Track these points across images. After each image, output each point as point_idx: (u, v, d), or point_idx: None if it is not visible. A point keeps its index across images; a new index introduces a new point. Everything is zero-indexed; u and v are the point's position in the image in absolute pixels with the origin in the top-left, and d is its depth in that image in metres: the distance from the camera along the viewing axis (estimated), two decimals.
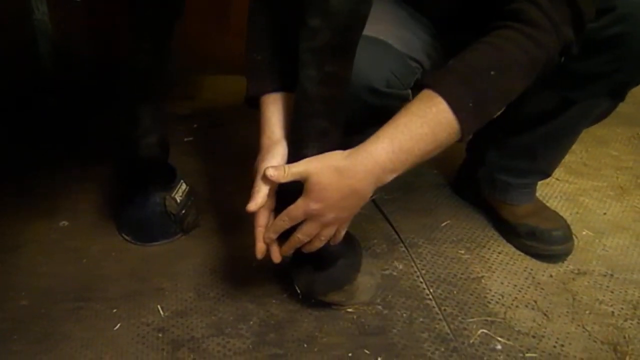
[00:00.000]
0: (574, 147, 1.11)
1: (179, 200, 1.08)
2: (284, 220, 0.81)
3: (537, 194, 1.19)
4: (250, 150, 1.42)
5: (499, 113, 0.89)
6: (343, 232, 0.86)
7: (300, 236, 0.82)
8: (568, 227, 1.11)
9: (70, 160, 1.31)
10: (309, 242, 0.83)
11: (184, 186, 1.11)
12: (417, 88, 1.02)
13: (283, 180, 0.80)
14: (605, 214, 1.27)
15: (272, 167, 0.81)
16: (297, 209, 0.80)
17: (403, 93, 0.93)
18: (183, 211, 1.08)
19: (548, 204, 1.21)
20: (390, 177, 0.79)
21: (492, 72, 0.77)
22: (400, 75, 0.91)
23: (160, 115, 1.03)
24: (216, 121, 1.57)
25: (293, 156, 0.83)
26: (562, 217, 1.14)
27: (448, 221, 1.19)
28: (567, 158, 1.18)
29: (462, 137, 0.79)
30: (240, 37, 1.75)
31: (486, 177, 1.17)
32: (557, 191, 1.33)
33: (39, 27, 1.58)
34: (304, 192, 0.79)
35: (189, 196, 1.11)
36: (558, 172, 1.21)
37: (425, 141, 0.77)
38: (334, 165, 0.77)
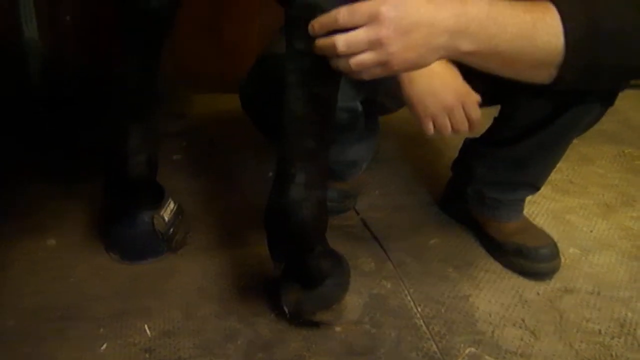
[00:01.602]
0: (560, 165, 1.12)
1: (167, 219, 1.08)
2: (340, 13, 0.68)
3: (524, 212, 1.20)
4: (239, 169, 1.44)
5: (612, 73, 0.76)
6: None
7: (341, 43, 0.67)
8: (555, 244, 1.12)
9: (60, 177, 1.31)
10: (343, 61, 0.69)
11: (172, 204, 1.11)
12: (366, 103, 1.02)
13: None
14: (591, 231, 1.28)
15: None
16: (363, 6, 0.67)
17: (351, 105, 0.93)
18: (171, 230, 1.08)
19: (535, 222, 1.22)
20: (465, 46, 0.69)
21: (610, 2, 0.70)
22: (349, 86, 0.91)
23: (150, 133, 1.03)
24: (206, 139, 1.57)
25: (280, 176, 0.84)
26: (548, 235, 1.14)
27: (436, 239, 1.20)
28: (554, 176, 1.19)
29: (566, 59, 0.68)
30: (232, 55, 1.78)
31: (474, 195, 1.18)
32: (543, 209, 1.34)
33: (28, 44, 1.58)
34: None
35: (177, 214, 1.11)
36: (544, 190, 1.22)
37: (522, 29, 0.68)
38: None
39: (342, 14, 0.68)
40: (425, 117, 0.89)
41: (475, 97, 0.90)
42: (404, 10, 0.67)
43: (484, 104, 1.03)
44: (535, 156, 1.05)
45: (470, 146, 1.19)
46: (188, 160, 1.45)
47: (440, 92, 0.87)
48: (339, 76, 0.78)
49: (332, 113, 0.82)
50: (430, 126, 0.89)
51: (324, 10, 0.71)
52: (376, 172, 1.42)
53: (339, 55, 0.70)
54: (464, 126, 0.89)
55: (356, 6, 0.68)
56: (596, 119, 1.00)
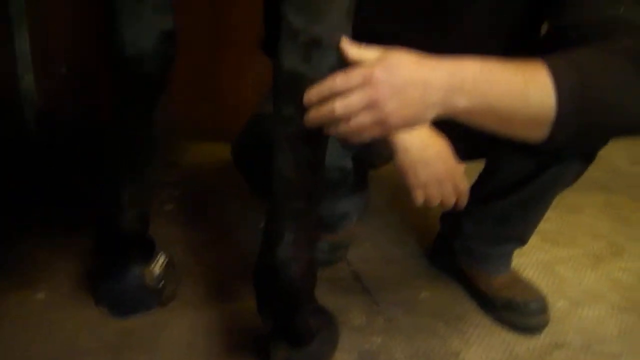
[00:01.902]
0: (549, 214, 1.13)
1: (157, 273, 1.08)
2: (335, 80, 0.71)
3: (513, 264, 1.21)
4: (232, 219, 1.45)
5: (605, 132, 0.79)
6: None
7: (339, 106, 0.70)
8: (544, 298, 1.13)
9: (49, 230, 1.31)
10: (342, 124, 0.71)
11: (162, 258, 1.11)
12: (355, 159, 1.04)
13: (358, 53, 0.72)
14: (580, 283, 1.29)
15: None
16: (358, 70, 0.70)
17: (341, 164, 0.95)
18: (161, 283, 1.08)
19: (524, 274, 1.23)
20: (461, 103, 0.70)
21: (598, 63, 0.72)
22: (339, 145, 0.93)
23: (143, 189, 1.04)
24: (200, 189, 1.59)
25: (268, 236, 0.85)
26: (537, 289, 1.15)
27: (426, 292, 1.20)
28: (543, 226, 1.20)
29: (557, 121, 0.69)
30: (226, 104, 1.80)
31: (462, 248, 1.19)
32: (532, 260, 1.35)
33: (24, 95, 1.60)
34: (375, 58, 0.71)
35: (168, 268, 1.11)
36: (533, 241, 1.23)
37: (515, 87, 0.69)
38: (417, 55, 0.71)
39: (337, 79, 0.71)
40: (416, 187, 0.91)
41: (463, 168, 0.92)
42: (397, 72, 0.69)
43: (468, 158, 1.06)
44: (520, 212, 1.07)
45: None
46: (180, 210, 1.46)
47: (433, 162, 0.89)
48: (326, 139, 0.80)
49: (321, 174, 0.83)
50: (421, 196, 0.91)
51: (309, 78, 0.73)
52: (367, 222, 1.43)
53: (337, 120, 0.72)
54: (452, 198, 0.91)
55: (350, 72, 0.71)
56: (577, 176, 1.02)
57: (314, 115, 0.74)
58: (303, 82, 0.74)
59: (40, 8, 1.55)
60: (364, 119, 0.70)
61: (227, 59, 1.78)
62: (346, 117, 0.70)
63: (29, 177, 1.52)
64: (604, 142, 0.91)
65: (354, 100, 0.69)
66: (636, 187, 1.80)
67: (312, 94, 0.73)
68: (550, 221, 1.52)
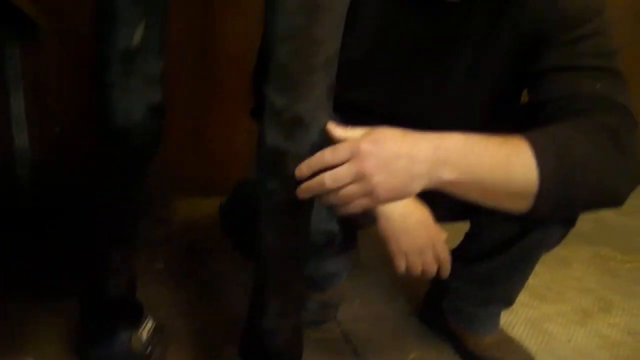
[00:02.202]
0: (537, 269, 1.14)
1: (145, 338, 1.08)
2: (324, 154, 0.74)
3: (503, 321, 1.21)
4: (222, 277, 1.45)
5: (587, 204, 0.81)
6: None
7: (328, 179, 0.72)
8: (532, 359, 1.13)
9: (40, 292, 1.31)
10: (332, 196, 0.74)
11: (150, 323, 1.11)
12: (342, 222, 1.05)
13: (344, 133, 0.76)
14: (569, 341, 1.29)
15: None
16: (345, 144, 0.73)
17: (327, 227, 0.97)
18: (149, 349, 1.08)
19: (513, 332, 1.23)
20: (446, 175, 0.72)
21: (576, 139, 0.75)
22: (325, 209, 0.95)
23: (131, 254, 1.05)
24: (190, 247, 1.59)
25: (254, 305, 0.85)
26: (525, 349, 1.15)
27: (415, 353, 1.20)
28: (531, 281, 1.21)
29: (539, 194, 0.72)
30: (216, 159, 1.82)
31: (450, 308, 1.19)
32: (522, 318, 1.35)
33: (18, 154, 1.62)
34: (360, 137, 0.74)
35: (156, 333, 1.11)
36: (522, 297, 1.24)
37: (498, 161, 0.72)
38: (401, 130, 0.74)
39: (326, 153, 0.74)
40: (398, 255, 0.92)
41: (445, 236, 0.94)
42: (383, 144, 0.72)
43: (453, 219, 1.08)
44: (505, 274, 1.08)
45: None
46: (170, 269, 1.46)
47: (414, 231, 0.91)
48: (310, 210, 0.82)
49: (305, 244, 0.85)
50: (402, 264, 0.93)
51: (292, 155, 0.76)
52: (357, 279, 1.44)
53: (327, 192, 0.74)
54: (433, 267, 0.93)
55: (338, 145, 0.74)
56: (560, 239, 1.04)
57: (305, 188, 0.76)
58: (286, 158, 0.76)
59: (35, 71, 1.58)
60: (352, 190, 0.73)
61: (216, 114, 1.82)
62: (335, 188, 0.73)
63: (19, 238, 1.53)
64: (586, 212, 0.93)
65: (342, 173, 0.72)
66: (623, 239, 1.82)
67: (304, 167, 0.76)
68: (539, 276, 1.53)
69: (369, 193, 0.73)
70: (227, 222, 1.12)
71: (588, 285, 1.53)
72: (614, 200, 0.79)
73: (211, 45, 1.68)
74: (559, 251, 1.63)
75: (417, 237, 0.91)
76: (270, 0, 0.72)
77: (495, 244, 1.05)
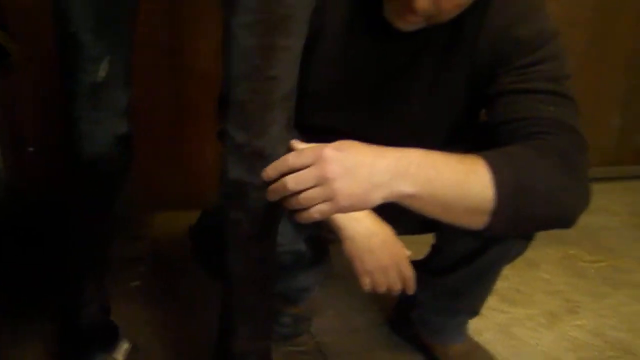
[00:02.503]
0: (506, 272, 1.17)
1: None
2: (290, 158, 0.76)
3: (472, 327, 1.24)
4: (200, 296, 1.46)
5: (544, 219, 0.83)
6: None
7: (290, 181, 0.74)
8: None
9: (14, 315, 1.31)
10: (294, 200, 0.76)
11: (126, 345, 1.13)
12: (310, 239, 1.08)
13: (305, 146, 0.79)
14: (538, 345, 1.33)
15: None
16: (310, 148, 0.76)
17: (295, 247, 0.99)
18: None
19: (482, 338, 1.26)
20: (406, 188, 0.75)
21: (531, 160, 0.79)
22: (292, 228, 0.97)
23: (104, 281, 1.07)
24: (166, 263, 1.60)
25: (223, 330, 0.88)
26: (493, 356, 1.19)
27: None
28: (500, 285, 1.24)
29: (496, 211, 0.76)
30: (190, 172, 1.84)
31: (419, 318, 1.22)
32: (491, 323, 1.39)
33: None
34: (325, 144, 0.76)
35: (131, 354, 1.13)
36: (492, 301, 1.27)
37: (457, 177, 0.75)
38: (365, 143, 0.77)
39: (291, 156, 0.76)
40: (363, 274, 0.95)
41: (407, 254, 0.97)
42: (347, 152, 0.75)
43: (419, 231, 1.11)
44: (469, 286, 1.11)
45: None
46: (146, 287, 1.48)
47: (378, 251, 0.94)
48: (275, 237, 0.85)
49: (272, 269, 0.88)
50: (368, 282, 0.95)
51: (255, 186, 0.78)
52: (329, 289, 1.46)
53: (290, 195, 0.76)
54: (397, 285, 0.96)
55: (303, 149, 0.77)
56: (520, 252, 1.07)
57: (270, 190, 0.78)
58: (249, 190, 0.79)
59: (10, 93, 1.59)
60: (313, 194, 0.75)
61: (189, 130, 1.83)
62: (297, 191, 0.75)
63: None
64: (541, 231, 0.97)
65: (305, 176, 0.74)
66: (590, 239, 1.87)
67: (270, 169, 0.78)
68: (508, 279, 1.57)
69: (330, 198, 0.74)
70: (195, 247, 1.14)
71: (556, 287, 1.57)
72: (566, 220, 0.82)
73: (180, 64, 1.70)
74: (527, 253, 1.67)
75: (381, 256, 0.94)
76: (227, 41, 0.74)
77: (458, 257, 1.08)
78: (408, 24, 0.88)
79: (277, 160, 0.77)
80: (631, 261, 1.75)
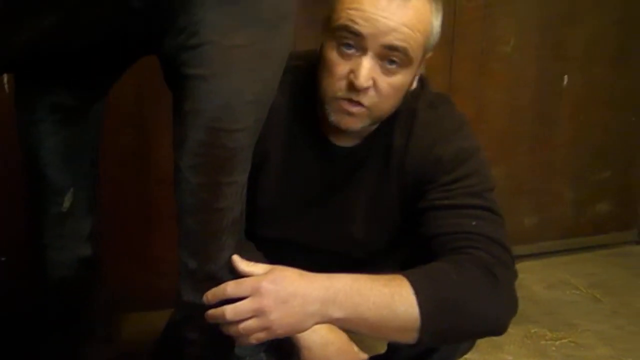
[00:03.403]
0: (471, 356, 1.21)
1: None
2: (228, 288, 0.82)
3: None
4: None
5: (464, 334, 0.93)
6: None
7: (229, 312, 0.80)
8: None
9: None
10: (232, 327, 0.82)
11: None
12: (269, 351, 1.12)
13: (248, 268, 0.84)
14: None
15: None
16: (247, 281, 0.82)
17: (255, 358, 1.05)
18: None
19: None
20: (336, 313, 0.81)
21: (453, 276, 0.86)
22: None
23: None
24: None
25: None
26: None
27: None
28: None
29: (422, 328, 0.82)
30: (161, 274, 1.87)
31: None
32: None
33: None
34: (261, 276, 0.83)
35: None
36: None
37: (382, 300, 0.81)
38: (298, 271, 0.84)
39: (229, 286, 0.83)
40: None
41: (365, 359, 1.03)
42: (282, 284, 0.82)
43: None
44: None
45: None
46: None
47: (334, 359, 0.99)
48: (231, 354, 0.90)
49: None
50: None
51: (206, 307, 0.84)
52: None
53: (228, 323, 0.82)
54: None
55: (241, 280, 0.83)
56: (470, 347, 1.13)
57: (209, 314, 0.84)
58: (203, 312, 0.84)
59: None
60: (251, 324, 0.82)
61: (159, 231, 1.87)
62: (235, 321, 0.81)
63: None
64: (468, 340, 1.04)
65: (243, 308, 0.81)
66: (552, 314, 1.92)
67: (210, 295, 0.84)
68: None
69: (266, 328, 0.81)
70: None
71: None
72: (494, 329, 0.90)
73: (146, 168, 1.77)
74: None
75: None
76: (176, 178, 0.82)
77: (412, 356, 1.13)
78: (345, 137, 0.99)
79: (216, 288, 0.83)
80: (592, 336, 1.80)
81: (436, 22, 0.96)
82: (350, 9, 0.90)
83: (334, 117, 0.96)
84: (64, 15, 0.69)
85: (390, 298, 0.82)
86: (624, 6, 2.15)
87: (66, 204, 0.96)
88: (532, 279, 2.12)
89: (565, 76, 2.16)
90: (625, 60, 2.22)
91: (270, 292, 0.80)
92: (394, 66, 0.92)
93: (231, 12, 0.75)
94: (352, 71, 0.91)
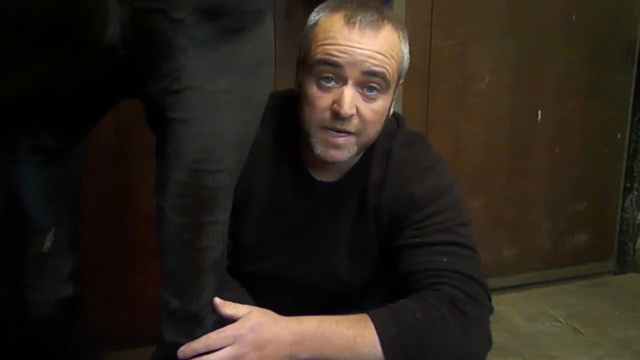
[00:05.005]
0: None
1: None
2: (210, 337, 0.86)
3: None
4: None
5: None
6: None
7: (213, 358, 0.86)
8: None
9: None
10: None
11: None
12: None
13: (230, 311, 0.88)
14: None
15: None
16: (228, 329, 0.87)
17: None
18: None
19: None
20: (303, 355, 0.88)
21: (418, 315, 0.89)
22: None
23: None
24: None
25: None
26: None
27: None
28: None
29: None
30: (142, 312, 1.85)
31: None
32: None
33: None
34: (240, 320, 0.88)
35: None
36: None
37: (346, 342, 0.87)
38: (272, 315, 0.90)
39: (211, 338, 0.86)
40: None
41: None
42: (259, 331, 0.87)
43: None
44: None
45: None
46: None
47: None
48: None
49: None
50: None
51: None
52: None
53: None
54: None
55: (222, 330, 0.86)
56: None
57: None
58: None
59: None
60: None
61: (140, 268, 1.86)
62: None
63: None
64: None
65: (224, 355, 0.86)
66: (534, 346, 1.93)
67: (187, 350, 0.86)
68: None
69: None
70: None
71: None
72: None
73: (125, 206, 1.77)
74: None
75: None
76: (159, 218, 0.84)
77: None
78: (327, 172, 1.03)
79: (197, 341, 0.86)
80: None
81: (405, 50, 1.01)
82: (325, 44, 0.95)
83: (320, 150, 0.98)
84: (54, 64, 0.70)
85: (353, 341, 0.87)
86: (594, 42, 2.23)
87: (47, 244, 0.96)
88: (513, 311, 2.13)
89: (539, 111, 2.22)
90: (597, 95, 2.29)
91: (249, 340, 0.87)
92: (374, 92, 0.96)
93: (212, 59, 0.77)
94: (334, 102, 0.94)
